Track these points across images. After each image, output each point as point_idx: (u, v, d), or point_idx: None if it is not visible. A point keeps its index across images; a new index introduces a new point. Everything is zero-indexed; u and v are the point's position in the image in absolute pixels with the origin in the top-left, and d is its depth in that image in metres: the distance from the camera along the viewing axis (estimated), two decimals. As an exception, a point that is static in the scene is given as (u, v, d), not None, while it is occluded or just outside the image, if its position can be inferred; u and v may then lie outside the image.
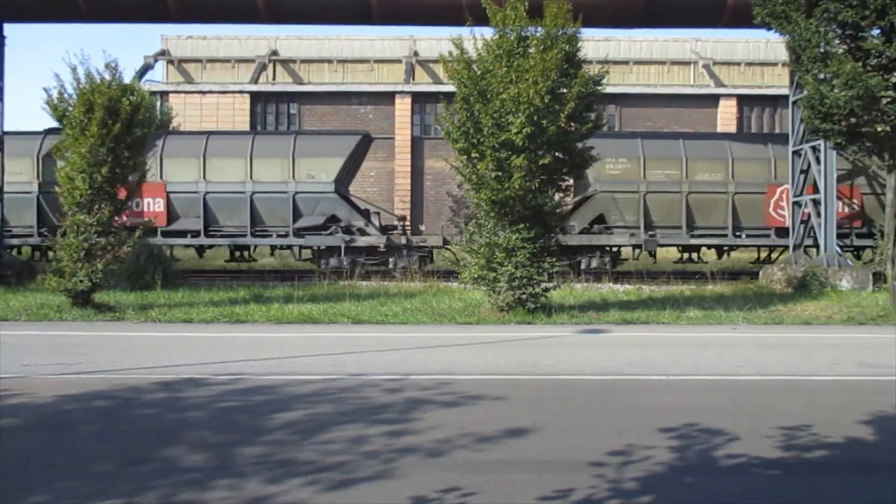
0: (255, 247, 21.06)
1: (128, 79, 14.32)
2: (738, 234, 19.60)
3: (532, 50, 11.88)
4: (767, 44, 32.63)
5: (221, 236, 19.62)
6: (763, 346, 9.87)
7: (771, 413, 6.09)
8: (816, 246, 18.14)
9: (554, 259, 12.62)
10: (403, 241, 19.49)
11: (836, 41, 13.02)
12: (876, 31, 12.76)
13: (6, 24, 18.68)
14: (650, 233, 19.37)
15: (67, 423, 5.71)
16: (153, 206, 19.12)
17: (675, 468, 4.65)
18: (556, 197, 12.56)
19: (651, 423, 5.64)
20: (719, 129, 31.89)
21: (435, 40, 31.92)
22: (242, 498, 4.12)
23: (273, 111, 32.24)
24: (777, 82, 31.91)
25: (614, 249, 19.93)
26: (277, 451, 4.95)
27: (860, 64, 12.47)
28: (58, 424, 5.69)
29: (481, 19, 12.35)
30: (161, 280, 16.07)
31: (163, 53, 33.48)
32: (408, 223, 22.77)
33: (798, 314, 13.11)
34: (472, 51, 12.14)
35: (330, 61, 33.42)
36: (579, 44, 12.32)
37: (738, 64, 33.53)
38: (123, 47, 69.17)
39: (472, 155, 12.22)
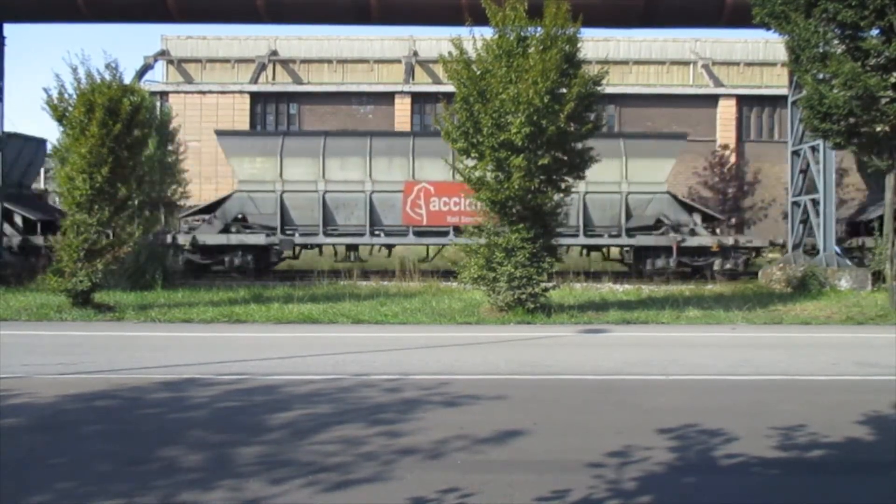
0: None
1: (128, 79, 14.30)
2: (376, 233, 19.28)
3: (532, 50, 11.88)
4: (767, 44, 32.63)
5: None
6: (762, 346, 9.88)
7: (770, 413, 6.09)
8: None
9: (553, 259, 12.62)
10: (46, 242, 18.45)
11: (836, 41, 13.01)
12: (875, 31, 12.75)
13: (6, 25, 18.70)
14: (288, 232, 19.16)
15: (68, 423, 5.72)
16: None
17: (675, 468, 4.66)
18: (556, 197, 12.56)
19: (650, 424, 5.65)
20: (719, 130, 31.85)
21: (435, 40, 31.93)
22: (242, 498, 4.13)
23: (273, 111, 32.24)
24: (776, 82, 31.91)
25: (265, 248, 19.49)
26: (277, 451, 4.96)
27: (859, 64, 12.46)
28: (58, 424, 5.70)
29: (481, 19, 12.35)
30: (161, 280, 16.10)
31: (163, 53, 33.49)
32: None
33: (797, 314, 13.12)
34: (472, 51, 12.14)
35: (330, 61, 33.43)
36: (579, 44, 12.31)
37: (738, 64, 33.54)
38: (123, 47, 69.23)
39: (472, 155, 12.24)
